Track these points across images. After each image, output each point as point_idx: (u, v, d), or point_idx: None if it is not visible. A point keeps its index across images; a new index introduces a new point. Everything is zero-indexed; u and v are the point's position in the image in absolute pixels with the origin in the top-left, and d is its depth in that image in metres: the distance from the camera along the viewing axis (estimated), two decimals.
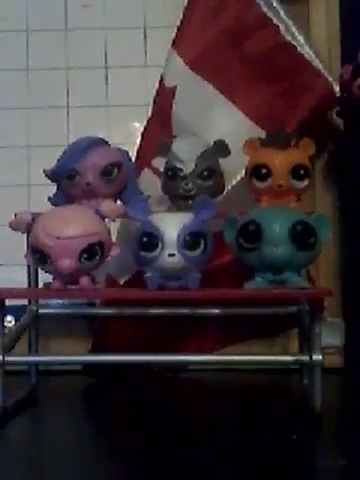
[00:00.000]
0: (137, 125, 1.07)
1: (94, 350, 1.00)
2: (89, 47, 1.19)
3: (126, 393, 0.95)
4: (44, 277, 0.90)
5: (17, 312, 0.92)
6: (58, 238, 0.82)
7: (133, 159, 1.00)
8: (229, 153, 0.93)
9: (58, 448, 0.77)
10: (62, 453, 0.75)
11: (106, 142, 0.98)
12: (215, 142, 0.93)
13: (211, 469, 0.66)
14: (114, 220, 0.90)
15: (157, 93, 1.05)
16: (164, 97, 1.04)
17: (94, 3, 1.20)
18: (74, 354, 0.98)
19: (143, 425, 0.84)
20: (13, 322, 0.92)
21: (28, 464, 0.73)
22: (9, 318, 0.88)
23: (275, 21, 1.07)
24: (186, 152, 0.93)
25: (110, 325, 1.01)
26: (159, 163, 0.97)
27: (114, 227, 0.93)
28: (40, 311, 0.95)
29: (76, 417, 0.88)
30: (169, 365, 1.01)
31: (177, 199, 0.92)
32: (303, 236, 0.81)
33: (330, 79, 1.05)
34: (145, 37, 1.13)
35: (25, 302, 0.94)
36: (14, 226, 0.86)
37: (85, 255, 0.82)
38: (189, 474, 0.64)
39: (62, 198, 0.95)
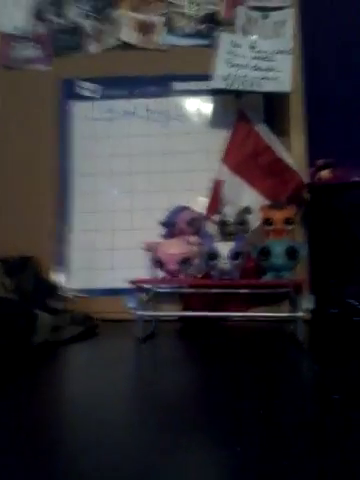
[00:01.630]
0: (205, 199, 1.06)
1: (183, 310, 1.01)
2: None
3: (198, 331, 0.94)
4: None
5: (147, 290, 0.92)
6: (168, 254, 0.87)
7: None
8: (251, 212, 0.94)
9: (168, 353, 0.81)
10: (170, 354, 0.79)
11: (189, 208, 1.00)
12: (245, 207, 0.94)
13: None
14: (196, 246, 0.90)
15: (214, 183, 1.06)
16: (218, 185, 1.06)
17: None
18: (173, 311, 1.00)
19: (204, 344, 0.84)
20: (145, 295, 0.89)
21: (153, 358, 0.77)
22: (143, 294, 0.87)
23: (273, 147, 1.08)
24: (230, 212, 0.93)
25: (192, 298, 0.99)
26: (216, 218, 0.96)
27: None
28: (158, 290, 0.96)
29: (174, 340, 0.90)
30: (219, 318, 0.99)
31: (226, 235, 0.91)
32: (292, 254, 0.83)
33: (301, 175, 1.06)
34: (207, 158, 1.12)
35: (150, 286, 0.94)
36: (146, 248, 0.89)
37: (182, 263, 0.86)
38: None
39: (169, 235, 0.96)
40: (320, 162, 1.03)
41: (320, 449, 0.40)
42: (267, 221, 0.92)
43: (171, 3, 1.26)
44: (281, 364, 0.71)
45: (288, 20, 1.19)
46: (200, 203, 1.07)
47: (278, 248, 0.84)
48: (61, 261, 1.14)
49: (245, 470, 0.36)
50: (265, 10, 1.21)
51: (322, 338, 0.89)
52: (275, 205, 0.94)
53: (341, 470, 0.36)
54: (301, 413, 0.49)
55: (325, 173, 1.02)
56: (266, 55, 1.16)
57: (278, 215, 0.92)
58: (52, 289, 0.99)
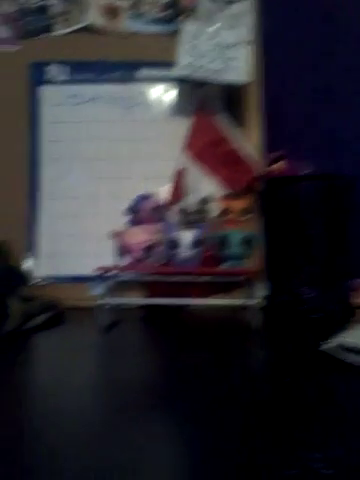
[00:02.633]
0: (167, 187, 1.06)
1: (146, 297, 1.03)
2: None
3: (160, 318, 0.96)
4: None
5: (112, 277, 0.93)
6: (134, 242, 0.89)
7: None
8: (210, 201, 0.97)
9: (131, 340, 0.84)
10: (133, 342, 0.83)
11: (153, 195, 1.02)
12: (205, 196, 0.98)
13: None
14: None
15: (177, 172, 1.08)
16: (180, 173, 1.08)
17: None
18: (137, 298, 1.01)
19: (165, 331, 0.88)
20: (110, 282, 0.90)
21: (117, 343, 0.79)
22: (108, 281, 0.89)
23: (231, 137, 1.10)
24: (191, 201, 0.98)
25: (154, 285, 1.01)
26: (177, 206, 1.00)
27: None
28: (122, 278, 0.98)
29: (137, 327, 0.92)
30: (181, 305, 1.00)
31: (187, 224, 0.95)
32: (248, 243, 0.87)
33: (257, 166, 1.08)
34: (171, 145, 1.12)
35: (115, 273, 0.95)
36: (113, 236, 0.92)
37: (146, 251, 0.89)
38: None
39: (133, 222, 0.98)
40: (274, 155, 1.05)
41: (272, 427, 0.44)
42: (225, 211, 0.96)
43: None
44: (236, 350, 0.74)
45: (247, 12, 1.20)
46: (163, 191, 1.08)
47: (235, 237, 0.87)
48: (30, 247, 1.14)
49: (201, 449, 0.40)
50: (225, 1, 1.21)
51: (273, 325, 0.93)
52: (233, 195, 0.98)
53: (292, 444, 0.41)
54: (256, 395, 0.53)
55: (278, 165, 1.05)
56: (225, 45, 1.18)
57: (235, 205, 0.96)
58: (22, 276, 1.00)
